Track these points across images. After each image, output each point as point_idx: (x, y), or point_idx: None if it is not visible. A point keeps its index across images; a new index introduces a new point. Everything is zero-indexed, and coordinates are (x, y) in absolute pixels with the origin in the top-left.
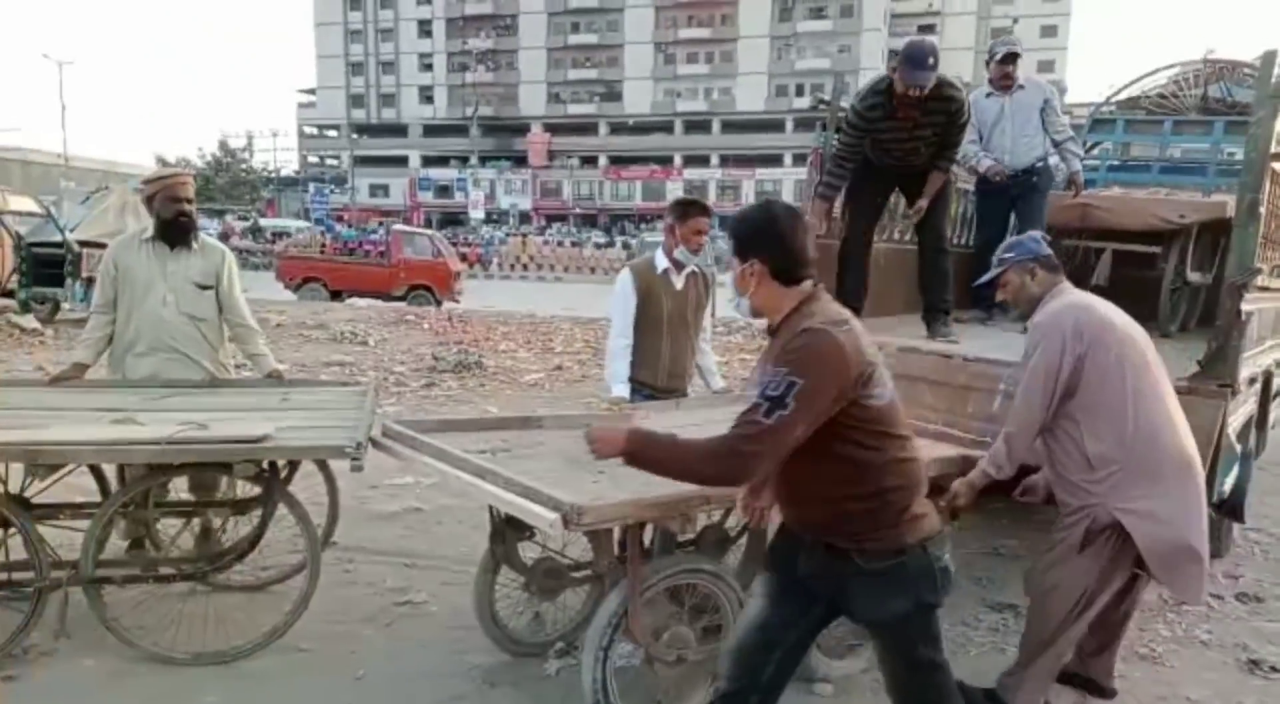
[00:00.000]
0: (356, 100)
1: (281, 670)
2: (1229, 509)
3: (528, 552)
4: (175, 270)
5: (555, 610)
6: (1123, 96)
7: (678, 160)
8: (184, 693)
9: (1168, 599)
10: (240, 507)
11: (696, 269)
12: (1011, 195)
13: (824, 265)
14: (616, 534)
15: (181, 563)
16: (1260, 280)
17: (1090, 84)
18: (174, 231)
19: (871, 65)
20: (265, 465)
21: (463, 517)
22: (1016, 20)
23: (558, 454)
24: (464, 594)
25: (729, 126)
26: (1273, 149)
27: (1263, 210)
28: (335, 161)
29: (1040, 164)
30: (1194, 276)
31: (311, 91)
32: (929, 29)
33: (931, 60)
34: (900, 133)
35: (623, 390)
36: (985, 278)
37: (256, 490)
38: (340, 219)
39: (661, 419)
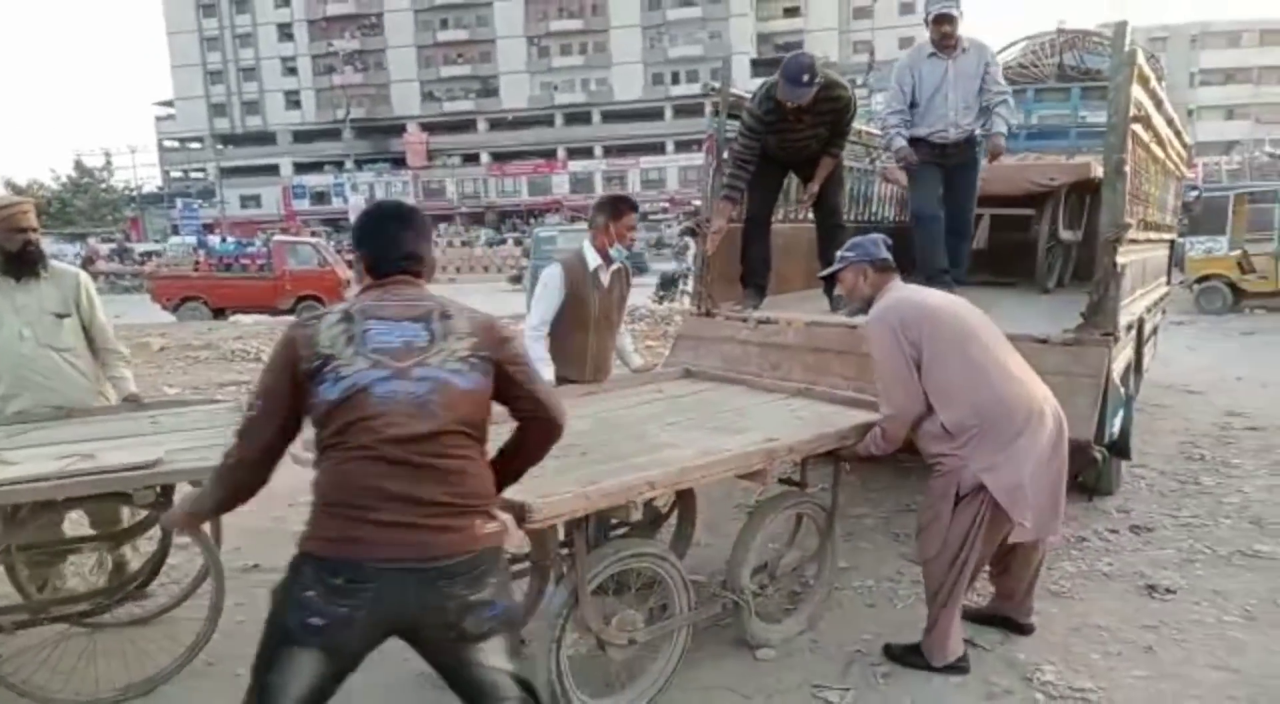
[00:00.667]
0: (218, 109)
1: (219, 697)
2: (1117, 449)
3: None
4: (27, 303)
5: None
6: None
7: (561, 153)
8: None
9: (1069, 538)
10: (131, 534)
11: (620, 264)
12: (949, 166)
13: (729, 248)
14: (560, 527)
15: (77, 601)
16: (1130, 234)
17: None
18: (21, 263)
19: (742, 49)
20: (159, 490)
21: None
22: (875, 0)
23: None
24: None
25: (609, 117)
26: (1131, 112)
27: (1129, 169)
28: (201, 174)
29: (980, 134)
30: (1066, 235)
31: (169, 103)
32: (794, 11)
33: (807, 77)
34: (793, 133)
35: (548, 375)
36: (826, 272)
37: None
38: (211, 232)
39: (587, 403)
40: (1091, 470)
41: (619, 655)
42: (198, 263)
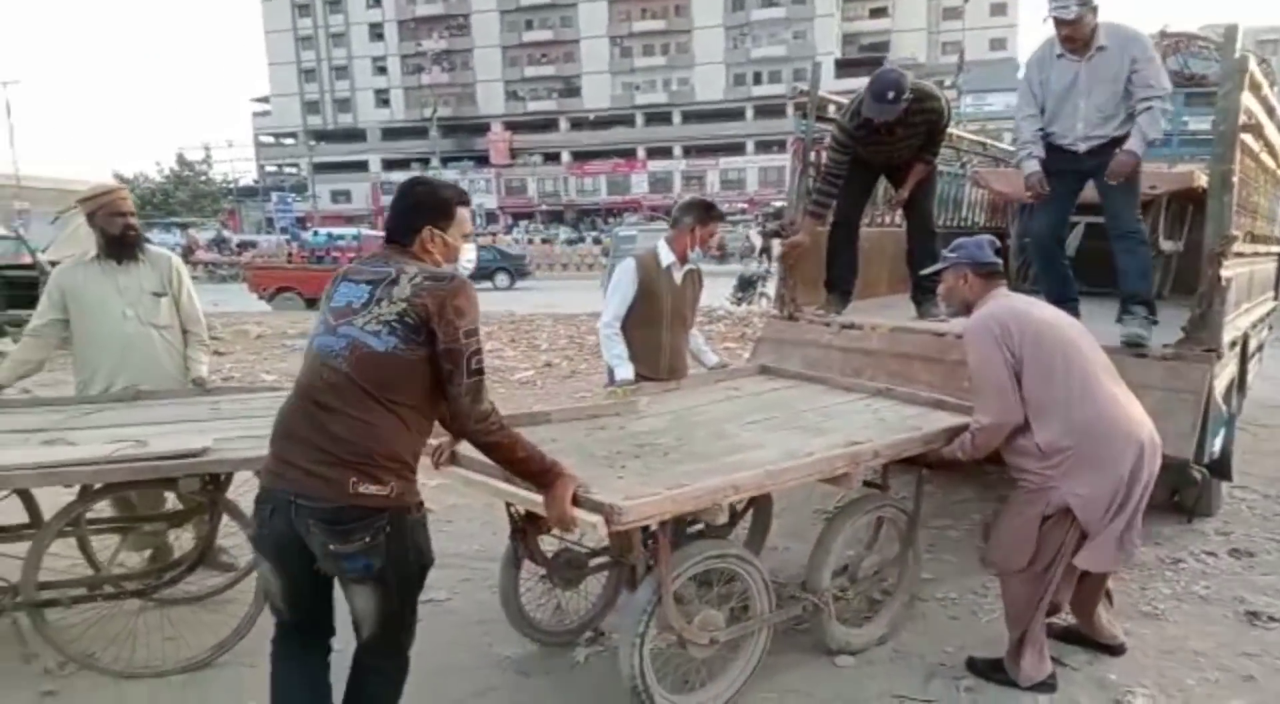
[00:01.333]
0: (312, 107)
1: None
2: (1217, 469)
3: (546, 544)
4: (129, 284)
5: (576, 599)
6: None
7: (641, 153)
8: (223, 696)
9: (1164, 558)
10: (181, 519)
11: (694, 268)
12: (1085, 171)
13: (814, 252)
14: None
15: (129, 579)
16: (1236, 247)
17: None
18: (123, 246)
19: (827, 50)
20: (207, 478)
21: (473, 515)
22: (966, 0)
23: (574, 450)
24: (484, 590)
25: (690, 117)
26: (1240, 121)
27: (1236, 180)
28: (294, 169)
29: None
30: (1166, 245)
31: (266, 100)
32: (881, 12)
33: (893, 95)
34: (884, 145)
35: (628, 372)
36: (929, 270)
37: (195, 502)
38: (304, 226)
39: (666, 400)
40: (1191, 491)
41: (700, 654)
42: (290, 255)
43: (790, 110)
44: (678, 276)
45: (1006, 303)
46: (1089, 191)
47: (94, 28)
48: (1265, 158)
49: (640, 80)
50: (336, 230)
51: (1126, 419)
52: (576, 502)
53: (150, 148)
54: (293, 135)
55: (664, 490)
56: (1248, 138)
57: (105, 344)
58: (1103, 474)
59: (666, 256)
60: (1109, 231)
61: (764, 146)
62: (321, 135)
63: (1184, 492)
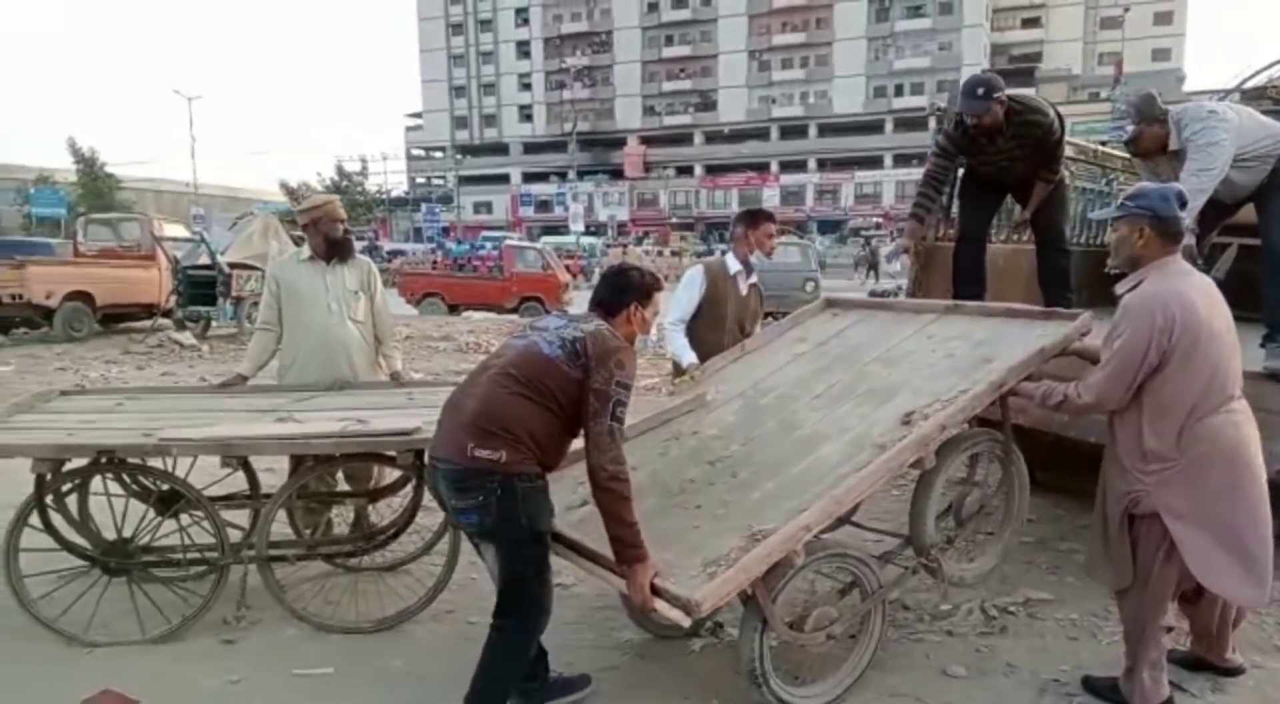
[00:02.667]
0: (460, 122)
1: (453, 639)
2: None
3: None
4: (335, 282)
5: None
6: (1248, 86)
7: (774, 166)
8: (373, 655)
9: None
10: (390, 490)
11: (756, 282)
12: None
13: (940, 266)
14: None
15: (342, 543)
16: None
17: (1211, 72)
18: (342, 248)
19: (974, 62)
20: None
21: None
22: (1128, 9)
23: (651, 483)
24: None
25: (826, 130)
26: None
27: None
28: (441, 181)
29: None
30: None
31: (418, 115)
32: (1033, 22)
33: (981, 91)
34: (986, 155)
35: (692, 356)
36: (1104, 214)
37: (395, 476)
38: (449, 235)
39: (737, 372)
40: None
41: (821, 650)
42: (435, 262)
43: (931, 123)
44: (743, 286)
45: (1183, 286)
46: (1245, 212)
47: (265, 48)
48: None
49: (777, 93)
50: (492, 234)
51: (1239, 443)
52: (656, 590)
53: (313, 160)
54: (441, 149)
55: (735, 564)
56: None
57: (311, 333)
58: (1204, 490)
59: (733, 265)
60: (1262, 255)
61: (903, 160)
62: (468, 149)
63: None
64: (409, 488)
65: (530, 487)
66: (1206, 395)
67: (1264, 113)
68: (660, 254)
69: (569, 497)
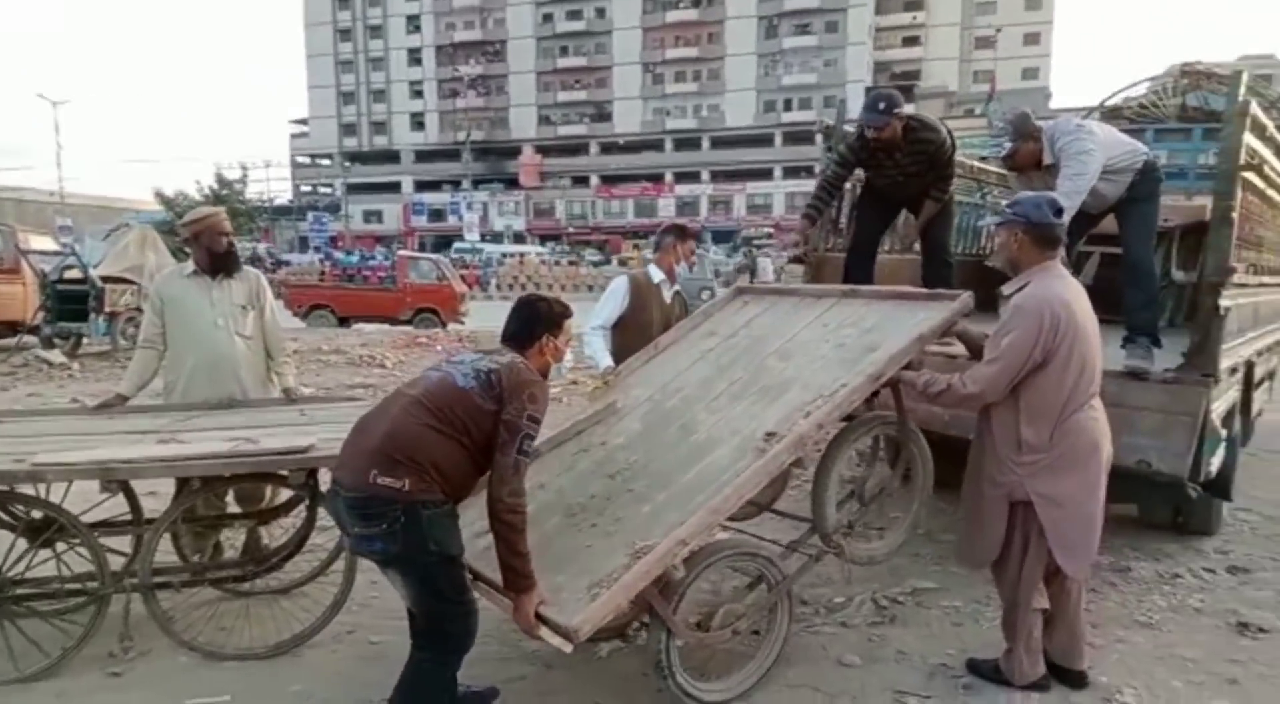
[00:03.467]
0: (348, 129)
1: (355, 661)
2: (1217, 489)
3: None
4: (221, 297)
5: None
6: (1109, 105)
7: (669, 177)
8: (271, 681)
9: (1163, 573)
10: (283, 511)
11: (679, 289)
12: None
13: (831, 276)
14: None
15: (231, 567)
16: (1237, 278)
17: (1075, 89)
18: (227, 261)
19: (858, 78)
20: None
21: None
22: (999, 29)
23: (557, 502)
24: None
25: (719, 142)
26: (1242, 160)
27: (1236, 215)
28: (328, 189)
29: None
30: (1179, 275)
31: (304, 122)
32: (913, 41)
33: (883, 105)
34: (884, 170)
35: (609, 361)
36: (988, 221)
37: (287, 496)
38: (336, 246)
39: (647, 376)
40: (1188, 508)
41: (730, 646)
42: (324, 273)
43: (819, 138)
44: (667, 295)
45: (1063, 289)
46: (1106, 223)
47: (136, 50)
48: (1272, 194)
49: (671, 106)
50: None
51: (1096, 434)
52: (540, 618)
53: (190, 167)
54: (329, 156)
55: (615, 585)
56: (1252, 176)
57: (197, 350)
58: (1070, 478)
59: (657, 275)
60: (1123, 264)
61: (792, 172)
62: (356, 157)
63: (1186, 510)
64: (302, 508)
65: (435, 513)
66: (1076, 393)
67: (1122, 130)
68: (558, 263)
69: (477, 524)
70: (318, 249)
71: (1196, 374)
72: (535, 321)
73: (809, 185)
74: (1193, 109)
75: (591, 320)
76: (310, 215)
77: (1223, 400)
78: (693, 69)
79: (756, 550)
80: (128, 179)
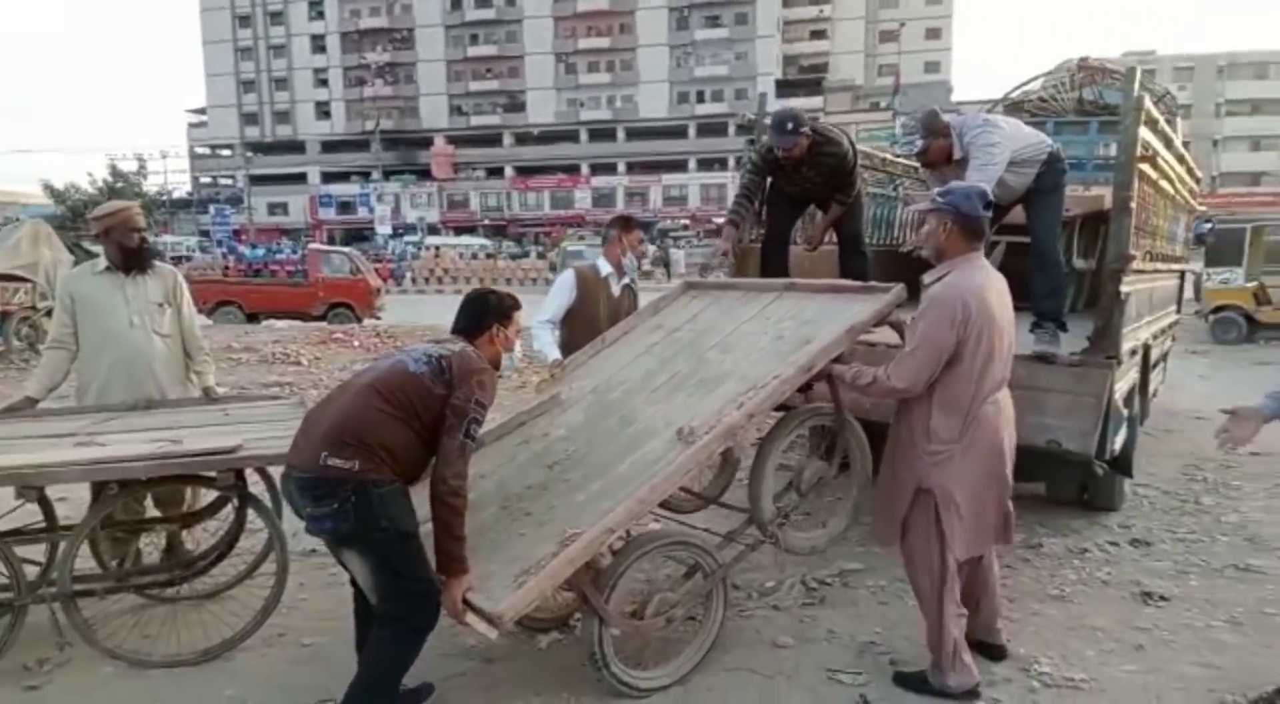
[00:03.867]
0: (250, 118)
1: (290, 664)
2: (1119, 466)
3: None
4: (136, 294)
5: None
6: (1009, 101)
7: (584, 168)
8: (202, 688)
9: (1072, 548)
10: (207, 513)
11: (629, 282)
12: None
13: (751, 266)
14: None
15: (157, 572)
16: (1135, 265)
17: (974, 82)
18: (138, 258)
19: (767, 71)
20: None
21: None
22: (903, 24)
23: (496, 492)
24: None
25: (634, 134)
26: (1139, 152)
27: (1134, 205)
28: (230, 181)
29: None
30: (1079, 263)
31: (202, 111)
32: (820, 34)
33: (791, 126)
34: (793, 181)
35: (557, 354)
36: (919, 207)
37: (213, 497)
38: (239, 239)
39: (593, 370)
40: (1094, 485)
41: (665, 633)
42: (227, 268)
43: (732, 129)
44: (615, 288)
45: (982, 281)
46: (1015, 213)
47: (25, 38)
48: (1164, 184)
49: (585, 97)
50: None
51: (1006, 421)
52: (468, 604)
53: (82, 159)
54: (229, 147)
55: (541, 572)
56: (1146, 167)
57: (111, 350)
58: (972, 471)
59: (605, 268)
60: (1031, 252)
61: (706, 164)
62: (259, 147)
63: (1091, 487)
64: (229, 510)
65: (387, 490)
66: (984, 385)
67: (1024, 124)
68: (475, 257)
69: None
70: (219, 243)
71: (1100, 356)
72: (485, 312)
73: (724, 177)
74: (1089, 103)
75: (539, 314)
76: (211, 208)
77: (1124, 381)
78: (605, 59)
79: (690, 540)
80: (7, 172)
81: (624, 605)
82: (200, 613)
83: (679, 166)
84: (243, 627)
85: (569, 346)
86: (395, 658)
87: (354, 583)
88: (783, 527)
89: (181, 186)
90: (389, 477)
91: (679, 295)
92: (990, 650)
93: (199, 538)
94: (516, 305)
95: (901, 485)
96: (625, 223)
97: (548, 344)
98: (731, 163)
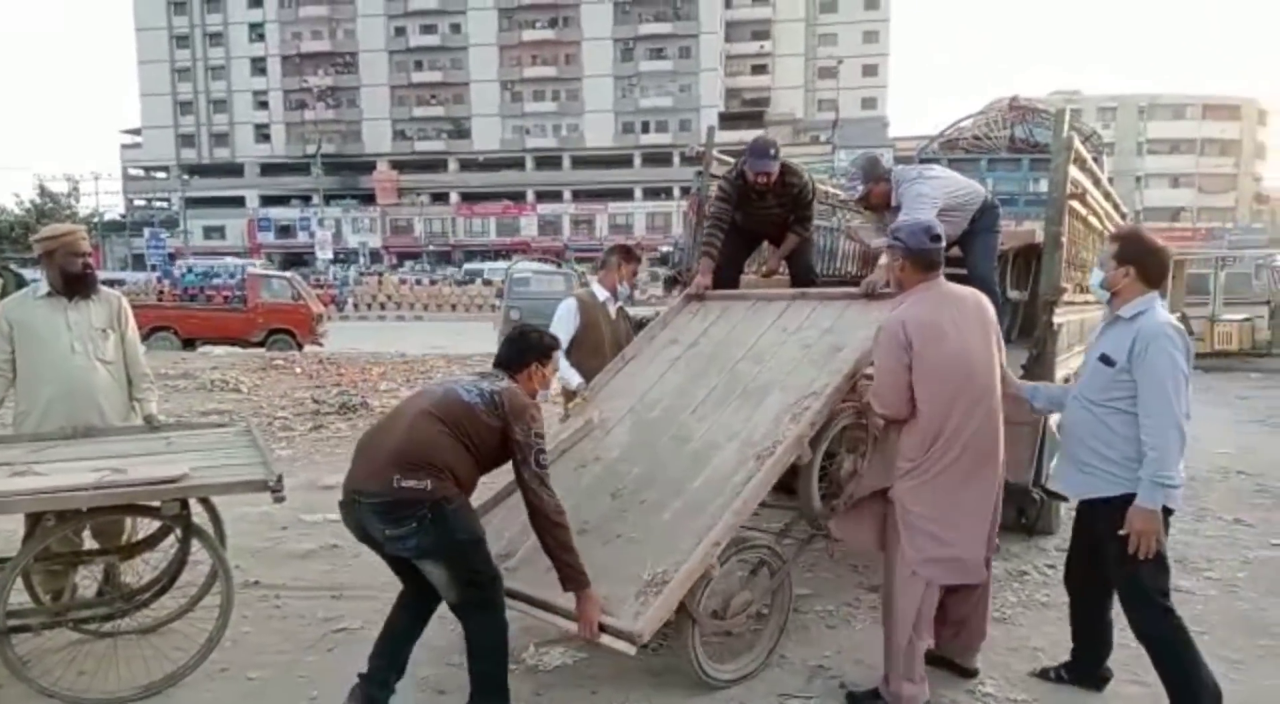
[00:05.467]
0: (186, 140)
1: (235, 699)
2: (1056, 493)
3: None
4: (79, 320)
5: None
6: (945, 138)
7: (530, 196)
8: None
9: (1012, 571)
10: (147, 545)
11: (622, 306)
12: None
13: None
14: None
15: (98, 606)
16: (1066, 297)
17: (910, 118)
18: (82, 284)
19: (711, 103)
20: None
21: None
22: (840, 61)
23: (574, 524)
24: None
25: (579, 162)
26: (1069, 189)
27: (1065, 239)
28: (165, 203)
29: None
30: (1013, 294)
31: (137, 131)
32: (762, 69)
33: (773, 151)
34: (755, 209)
35: (578, 378)
36: (880, 243)
37: (155, 528)
38: (174, 262)
39: (618, 388)
40: (1032, 510)
41: (749, 628)
42: (161, 292)
43: (677, 160)
44: (611, 310)
45: (929, 307)
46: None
47: None
48: (1092, 220)
49: (530, 124)
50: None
51: (982, 445)
52: (601, 626)
53: (9, 180)
54: (165, 168)
55: (664, 590)
56: (1075, 204)
57: (52, 377)
58: (948, 510)
59: (601, 293)
60: (968, 281)
61: (652, 193)
62: (196, 169)
63: (1028, 512)
64: (170, 541)
65: (457, 506)
66: (946, 402)
67: (955, 161)
68: (419, 282)
69: (495, 545)
70: (153, 267)
71: None
72: (528, 350)
73: (669, 206)
74: (1020, 141)
75: None
76: (146, 231)
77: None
78: (551, 88)
79: (765, 541)
80: None
81: (707, 608)
82: (141, 648)
83: (625, 195)
84: (185, 661)
85: (580, 371)
86: (495, 641)
87: (408, 585)
88: (829, 517)
89: (114, 209)
90: (456, 492)
91: (682, 308)
92: (961, 671)
93: (139, 570)
94: (556, 345)
95: (876, 504)
96: (627, 253)
97: (568, 369)
98: (677, 192)
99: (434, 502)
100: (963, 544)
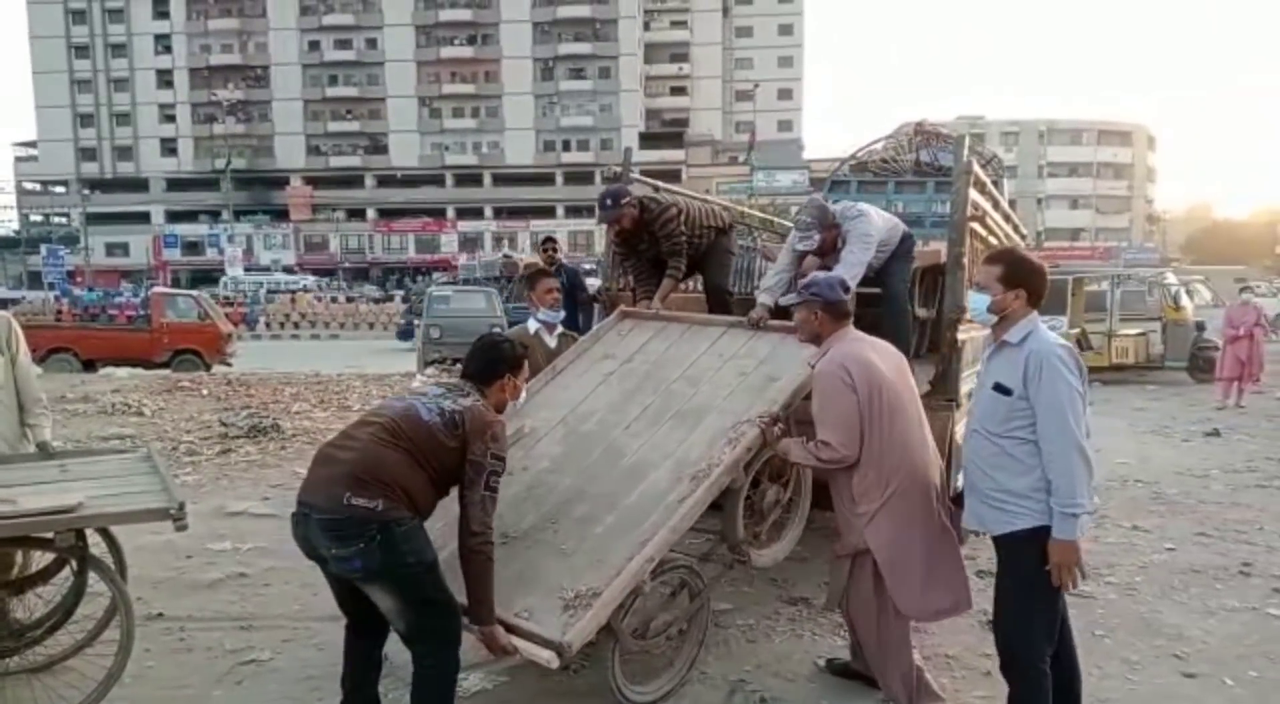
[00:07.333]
0: (87, 153)
1: None
2: (962, 503)
3: None
4: None
5: None
6: (854, 160)
7: (450, 212)
8: None
9: None
10: (40, 578)
11: (565, 331)
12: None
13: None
14: None
15: None
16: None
17: (822, 139)
18: None
19: (632, 122)
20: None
21: (290, 577)
22: (757, 85)
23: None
24: (308, 648)
25: (500, 179)
26: (969, 212)
27: (966, 260)
28: (64, 219)
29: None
30: (920, 312)
31: (32, 144)
32: (681, 91)
33: (610, 201)
34: (645, 251)
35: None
36: (786, 302)
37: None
38: (74, 281)
39: (548, 400)
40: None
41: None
42: (60, 312)
43: (598, 178)
44: (550, 340)
45: (856, 349)
46: None
47: None
48: (993, 240)
49: (450, 141)
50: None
51: (927, 472)
52: (516, 631)
53: None
54: (64, 182)
55: (597, 601)
56: (976, 225)
57: None
58: (907, 528)
59: (533, 326)
60: (884, 299)
61: (574, 211)
62: (97, 184)
63: None
64: (65, 573)
65: (408, 528)
66: (894, 440)
67: (864, 183)
68: (334, 300)
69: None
70: (51, 286)
71: (942, 399)
72: (499, 361)
73: (591, 224)
74: (925, 164)
75: None
76: (43, 248)
77: (963, 423)
78: (471, 106)
79: (688, 563)
80: None
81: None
82: (32, 688)
83: (547, 213)
84: (82, 700)
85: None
86: (445, 677)
87: (350, 615)
88: (749, 546)
89: (8, 224)
90: (408, 513)
91: (617, 323)
92: (872, 682)
93: (30, 605)
94: (526, 355)
95: (844, 548)
96: (530, 280)
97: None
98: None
99: (383, 522)
100: (948, 577)
